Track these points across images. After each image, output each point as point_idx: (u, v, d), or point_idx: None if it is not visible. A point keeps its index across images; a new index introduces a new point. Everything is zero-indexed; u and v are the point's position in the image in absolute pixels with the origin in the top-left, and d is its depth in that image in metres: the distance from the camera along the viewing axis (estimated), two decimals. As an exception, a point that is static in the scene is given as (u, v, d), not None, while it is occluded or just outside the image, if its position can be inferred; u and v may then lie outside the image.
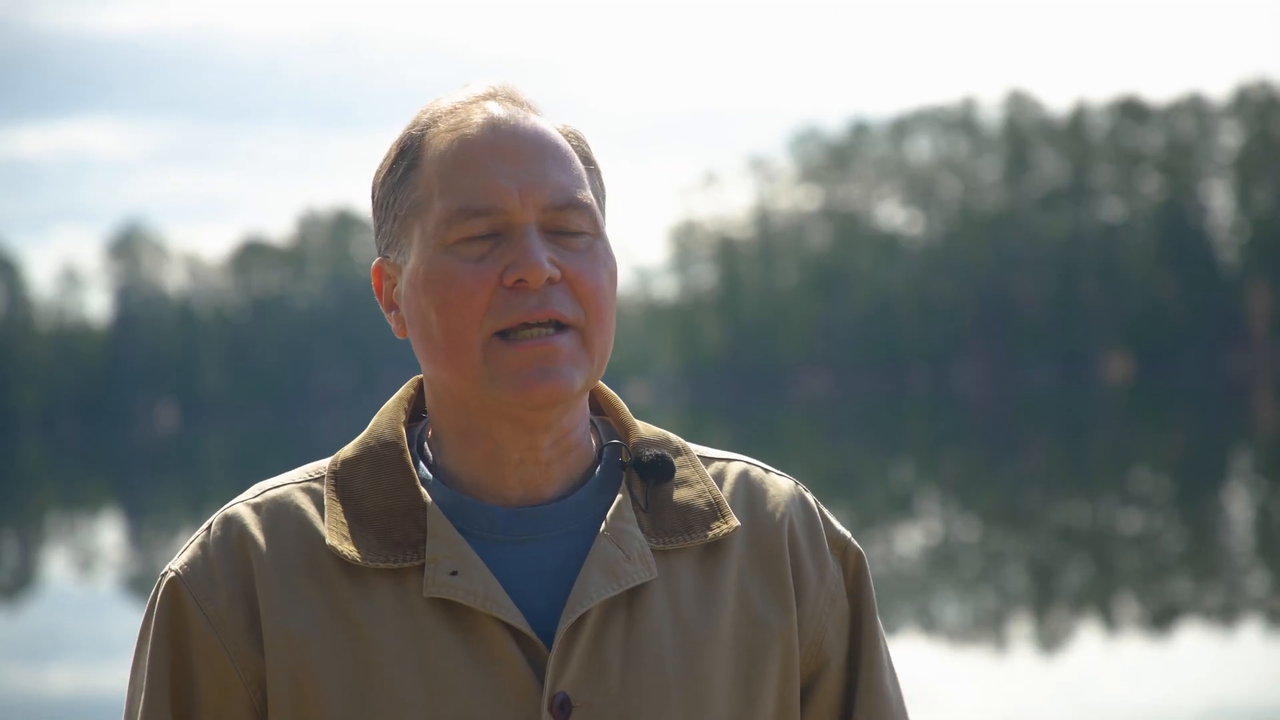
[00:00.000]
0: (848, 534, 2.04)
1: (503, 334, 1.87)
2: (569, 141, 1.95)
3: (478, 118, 1.91)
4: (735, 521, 1.95)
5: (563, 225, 1.89)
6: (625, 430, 2.00)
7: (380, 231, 1.96)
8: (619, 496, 1.94)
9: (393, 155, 1.95)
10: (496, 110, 1.92)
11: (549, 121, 1.95)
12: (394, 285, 1.95)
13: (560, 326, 1.88)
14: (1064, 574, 16.97)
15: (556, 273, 1.87)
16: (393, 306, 1.96)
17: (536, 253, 1.86)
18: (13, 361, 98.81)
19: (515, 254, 1.87)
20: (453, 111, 1.93)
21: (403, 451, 1.94)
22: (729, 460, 2.03)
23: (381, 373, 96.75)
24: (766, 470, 2.04)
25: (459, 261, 1.87)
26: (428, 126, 1.93)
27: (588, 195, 1.92)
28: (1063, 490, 25.96)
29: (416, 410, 2.02)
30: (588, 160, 1.96)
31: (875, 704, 2.00)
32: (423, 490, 1.92)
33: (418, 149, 1.93)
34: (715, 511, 1.96)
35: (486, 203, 1.87)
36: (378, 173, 1.97)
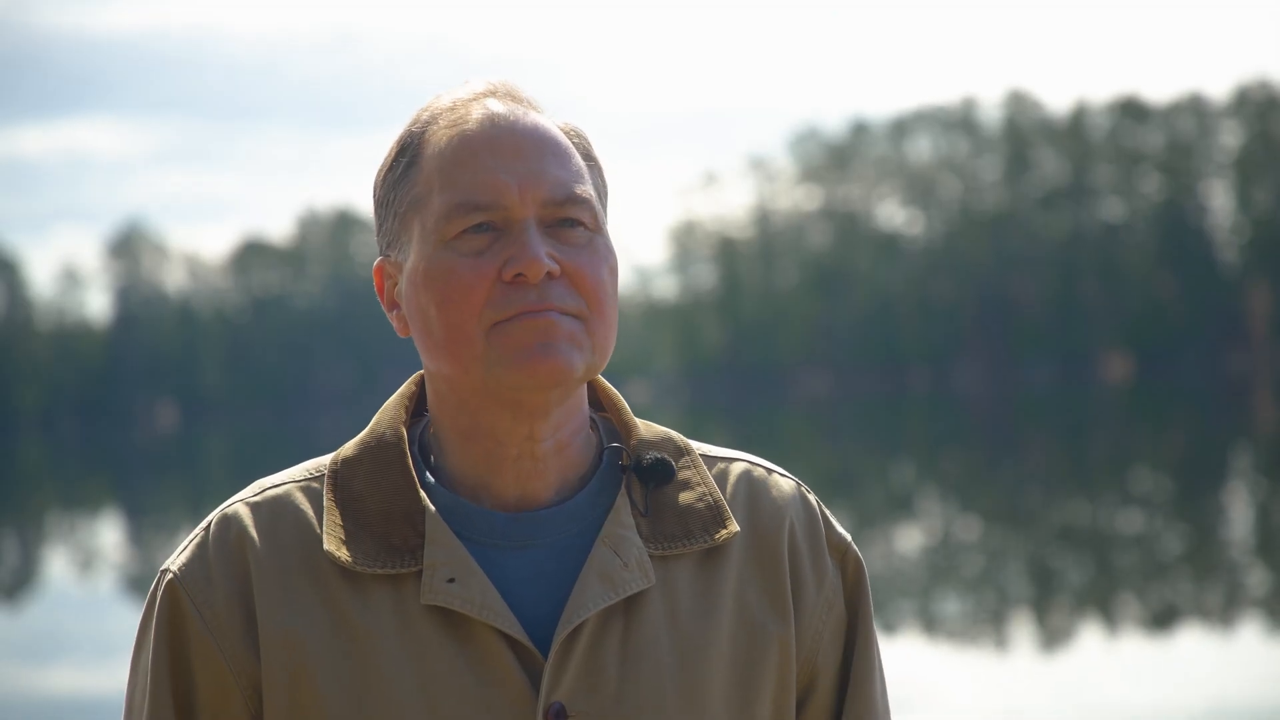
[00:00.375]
0: (848, 537, 2.03)
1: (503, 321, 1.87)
2: (569, 139, 1.94)
3: (477, 114, 1.91)
4: (735, 527, 1.94)
5: (562, 220, 1.89)
6: (626, 430, 1.99)
7: (381, 230, 1.95)
8: (618, 501, 1.93)
9: (393, 153, 1.94)
10: (496, 107, 1.92)
11: (549, 119, 1.94)
12: (395, 284, 1.94)
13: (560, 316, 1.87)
14: (1064, 574, 16.97)
15: (555, 267, 1.86)
16: (394, 305, 1.95)
17: (535, 247, 1.85)
18: (13, 361, 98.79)
19: (514, 249, 1.86)
20: (452, 109, 1.93)
21: (403, 453, 1.93)
22: (732, 460, 2.02)
23: (381, 373, 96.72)
24: (769, 470, 2.02)
25: (458, 257, 1.87)
26: (428, 124, 1.93)
27: (587, 190, 1.91)
28: (1063, 490, 25.95)
29: (419, 407, 2.01)
30: (588, 157, 1.95)
31: (863, 715, 1.99)
32: (422, 493, 1.91)
33: (418, 146, 1.92)
34: (715, 515, 1.94)
35: (486, 198, 1.87)
36: (379, 171, 1.96)
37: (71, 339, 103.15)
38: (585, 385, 1.96)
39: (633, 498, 1.94)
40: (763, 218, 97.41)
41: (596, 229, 1.91)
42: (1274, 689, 11.02)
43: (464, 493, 1.92)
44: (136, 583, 20.12)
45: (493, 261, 1.86)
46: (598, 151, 1.98)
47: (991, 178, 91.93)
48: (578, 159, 1.93)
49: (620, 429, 2.00)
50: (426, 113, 1.94)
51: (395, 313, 1.95)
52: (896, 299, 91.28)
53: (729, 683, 1.90)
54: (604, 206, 1.95)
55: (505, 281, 1.86)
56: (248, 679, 1.87)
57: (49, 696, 13.32)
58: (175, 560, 1.93)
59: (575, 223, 1.89)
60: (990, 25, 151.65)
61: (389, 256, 1.94)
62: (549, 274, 1.86)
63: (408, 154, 1.93)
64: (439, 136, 1.91)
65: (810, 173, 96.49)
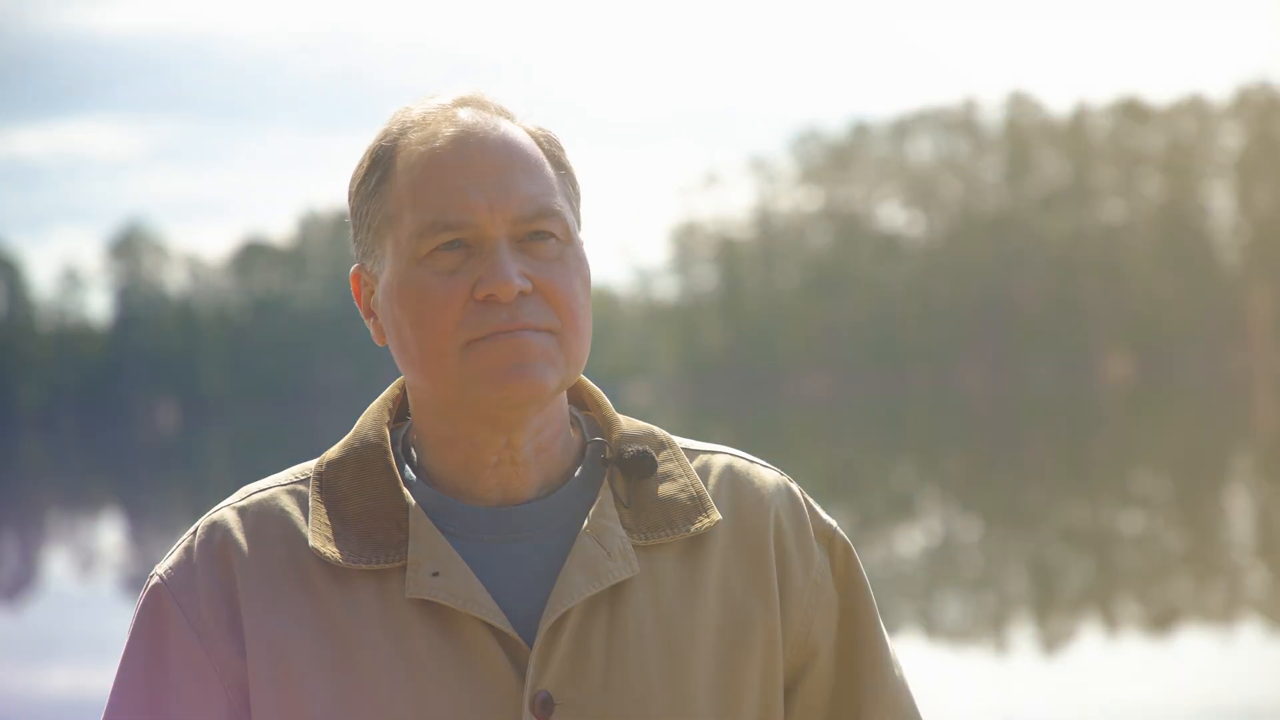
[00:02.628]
0: (834, 523, 2.04)
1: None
2: (540, 146, 1.95)
3: (447, 130, 1.92)
4: (717, 515, 1.95)
5: (533, 235, 1.90)
6: (609, 426, 2.01)
7: (356, 239, 1.97)
8: (601, 494, 1.94)
9: (365, 165, 1.96)
10: (466, 119, 1.93)
11: (520, 125, 1.95)
12: (371, 292, 1.97)
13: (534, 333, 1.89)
14: (1064, 574, 16.97)
15: (528, 285, 1.88)
16: (371, 313, 1.98)
17: (506, 267, 1.86)
18: (14, 361, 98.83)
19: (484, 269, 1.87)
20: (423, 123, 1.94)
21: (386, 453, 1.95)
22: (714, 452, 2.03)
23: (382, 372, 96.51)
24: (751, 462, 2.04)
25: (431, 275, 1.88)
26: (398, 137, 1.94)
27: (558, 203, 1.92)
28: (1063, 490, 25.95)
29: (403, 410, 2.04)
30: (560, 165, 1.96)
31: (883, 689, 2.02)
32: (405, 491, 1.93)
33: (389, 160, 1.94)
34: (697, 505, 1.96)
35: (457, 217, 1.88)
36: (352, 180, 1.98)
37: (72, 339, 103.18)
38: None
39: (615, 490, 1.96)
40: (763, 218, 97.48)
41: (568, 240, 1.92)
42: (1274, 689, 11.02)
43: (446, 491, 1.94)
44: (137, 583, 20.11)
45: (465, 280, 1.87)
46: (570, 157, 1.99)
47: (992, 179, 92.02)
48: (548, 170, 1.94)
49: (602, 425, 2.02)
50: (396, 125, 1.95)
51: (372, 320, 1.97)
52: (897, 300, 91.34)
53: (714, 667, 1.92)
54: (576, 215, 1.96)
55: (477, 300, 1.87)
56: (233, 676, 1.89)
57: (49, 696, 13.32)
58: (161, 566, 1.95)
59: (546, 235, 1.90)
60: (991, 26, 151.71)
61: (364, 265, 1.97)
62: (521, 292, 1.87)
63: (379, 168, 1.94)
64: (409, 152, 1.92)
65: (811, 173, 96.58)
